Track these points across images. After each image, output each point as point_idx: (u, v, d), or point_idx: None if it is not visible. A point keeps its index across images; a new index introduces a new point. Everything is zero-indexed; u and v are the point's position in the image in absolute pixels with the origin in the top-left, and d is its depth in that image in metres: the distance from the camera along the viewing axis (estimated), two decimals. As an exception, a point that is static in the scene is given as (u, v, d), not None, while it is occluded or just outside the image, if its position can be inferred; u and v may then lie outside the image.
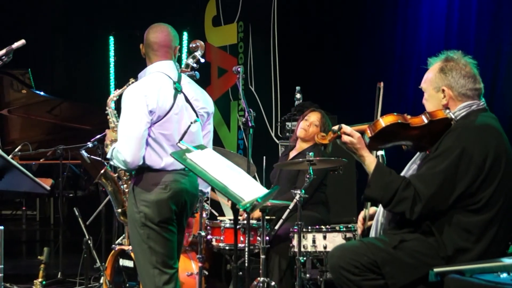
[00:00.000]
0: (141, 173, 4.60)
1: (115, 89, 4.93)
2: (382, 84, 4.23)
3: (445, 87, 4.02)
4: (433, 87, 4.06)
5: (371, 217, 4.37)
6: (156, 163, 4.59)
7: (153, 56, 4.76)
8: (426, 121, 3.97)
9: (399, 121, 3.96)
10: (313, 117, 6.52)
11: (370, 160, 4.04)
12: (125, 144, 4.47)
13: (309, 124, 6.48)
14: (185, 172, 4.66)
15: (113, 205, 5.01)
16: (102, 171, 4.92)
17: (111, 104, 4.97)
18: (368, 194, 4.06)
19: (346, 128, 4.03)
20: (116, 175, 4.95)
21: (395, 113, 4.00)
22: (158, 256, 4.62)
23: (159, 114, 4.57)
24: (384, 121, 3.97)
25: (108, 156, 4.61)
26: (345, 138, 4.03)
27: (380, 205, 4.20)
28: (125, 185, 4.93)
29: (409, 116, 4.00)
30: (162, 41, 4.76)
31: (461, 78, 4.02)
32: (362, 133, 4.03)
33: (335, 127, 4.07)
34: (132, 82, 4.76)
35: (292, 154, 6.55)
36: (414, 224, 3.97)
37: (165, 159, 4.60)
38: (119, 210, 4.99)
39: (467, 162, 3.83)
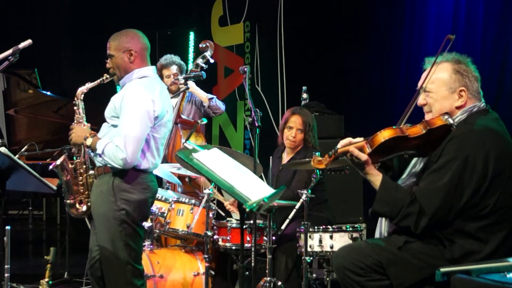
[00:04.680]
0: (123, 171, 4.75)
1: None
2: (453, 37, 4.13)
3: (464, 88, 4.00)
4: (447, 87, 4.01)
5: None
6: (144, 163, 4.79)
7: (143, 61, 4.96)
8: (424, 130, 3.92)
9: (398, 135, 3.91)
10: (296, 122, 6.34)
11: (375, 177, 4.01)
12: (131, 144, 4.64)
13: (294, 134, 6.33)
14: (153, 173, 4.94)
15: (64, 195, 5.01)
16: (61, 160, 4.94)
17: (81, 96, 5.05)
18: (375, 209, 4.05)
19: (353, 150, 3.96)
20: (72, 166, 4.97)
21: (393, 127, 3.94)
22: (132, 252, 4.80)
23: (159, 119, 4.82)
24: (382, 136, 3.91)
25: (99, 151, 4.74)
26: (353, 159, 3.98)
27: None
28: (80, 178, 4.96)
29: (407, 126, 3.97)
30: (148, 46, 5.00)
31: (474, 81, 4.04)
32: (360, 149, 3.98)
33: (331, 151, 4.04)
34: (107, 78, 4.98)
35: (285, 158, 6.50)
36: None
37: (151, 161, 4.83)
38: (69, 201, 4.98)
39: (470, 171, 3.82)
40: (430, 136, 3.94)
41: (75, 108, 5.02)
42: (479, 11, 7.32)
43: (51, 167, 4.93)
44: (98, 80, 5.00)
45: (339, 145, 4.05)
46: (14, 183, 4.54)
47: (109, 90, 5.18)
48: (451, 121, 3.94)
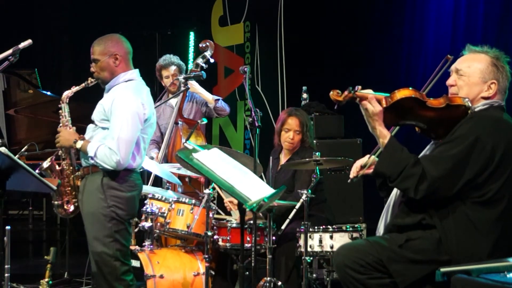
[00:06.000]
0: (113, 171, 4.88)
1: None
2: (451, 58, 4.22)
3: (496, 81, 4.10)
4: (481, 75, 4.10)
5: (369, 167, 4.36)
6: (132, 163, 4.93)
7: (127, 65, 5.10)
8: (443, 104, 3.99)
9: (414, 96, 3.98)
10: (293, 124, 6.33)
11: (384, 134, 4.06)
12: (124, 147, 4.81)
13: (292, 136, 6.32)
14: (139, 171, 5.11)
15: (52, 197, 5.12)
16: (49, 163, 5.04)
17: (66, 100, 5.16)
18: (378, 168, 4.10)
19: (372, 99, 4.02)
20: (59, 168, 5.05)
21: (411, 88, 4.02)
22: (122, 248, 4.94)
23: (148, 121, 5.00)
24: (401, 93, 3.99)
25: (91, 154, 4.86)
26: (367, 105, 4.03)
27: (391, 197, 4.22)
28: (66, 179, 5.07)
29: (430, 98, 4.03)
30: (131, 51, 5.14)
31: (506, 79, 4.16)
32: (378, 101, 4.03)
33: (351, 88, 4.07)
34: (91, 82, 5.12)
35: (283, 158, 6.50)
36: (420, 212, 4.01)
37: (138, 160, 4.98)
38: (57, 202, 5.09)
39: (479, 151, 3.89)
40: (446, 113, 4.00)
41: (60, 111, 5.14)
42: (479, 11, 7.32)
43: (37, 170, 4.96)
44: (83, 84, 5.15)
45: (360, 88, 4.09)
46: (14, 183, 4.53)
47: (102, 91, 5.21)
48: (470, 104, 4.03)
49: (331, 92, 4.11)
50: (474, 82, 4.11)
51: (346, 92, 4.07)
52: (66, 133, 5.03)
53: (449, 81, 4.19)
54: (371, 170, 4.31)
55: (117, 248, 4.92)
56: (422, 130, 4.16)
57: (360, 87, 4.08)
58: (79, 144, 4.94)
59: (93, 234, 4.94)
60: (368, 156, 4.34)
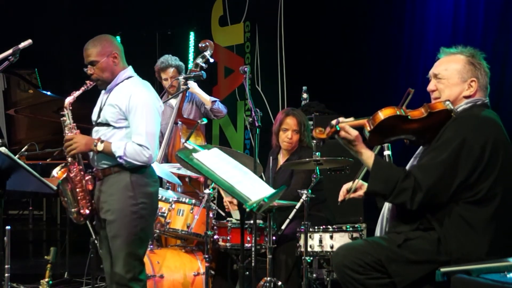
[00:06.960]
0: (137, 167, 4.87)
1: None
2: (412, 91, 4.24)
3: (475, 79, 4.11)
4: (460, 76, 4.11)
5: (355, 191, 4.41)
6: (155, 158, 4.97)
7: (124, 63, 5.10)
8: (425, 113, 4.01)
9: (398, 113, 3.99)
10: (291, 124, 6.35)
11: (368, 155, 4.08)
12: (153, 141, 4.85)
13: (290, 136, 6.34)
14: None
15: (68, 205, 4.98)
16: (65, 175, 4.92)
17: (69, 107, 5.07)
18: (370, 188, 4.10)
19: (344, 126, 4.05)
20: (72, 174, 4.95)
21: (393, 106, 4.03)
22: (143, 248, 4.96)
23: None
24: (383, 114, 3.99)
25: (120, 153, 4.80)
26: (342, 134, 4.07)
27: (385, 205, 4.23)
28: (79, 185, 4.95)
29: (409, 110, 4.04)
30: (123, 48, 5.13)
31: (485, 76, 4.16)
32: (362, 128, 4.05)
33: (333, 121, 4.09)
34: (90, 85, 5.04)
35: (281, 159, 6.50)
36: (416, 219, 4.01)
37: (157, 154, 5.05)
38: (74, 209, 4.95)
39: (467, 152, 3.90)
40: (430, 120, 4.01)
41: (64, 118, 5.01)
42: (479, 11, 7.32)
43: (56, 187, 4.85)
44: (83, 88, 5.05)
45: (341, 119, 4.11)
46: (14, 183, 4.54)
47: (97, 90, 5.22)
48: (452, 106, 4.03)
49: (314, 131, 4.16)
50: (454, 83, 4.12)
51: (328, 128, 4.10)
52: (81, 138, 4.92)
53: (429, 87, 4.21)
54: (357, 193, 4.40)
55: (139, 247, 4.90)
56: (411, 141, 4.19)
57: (342, 119, 4.10)
58: (100, 147, 4.84)
59: (117, 231, 4.86)
60: (353, 180, 4.37)
